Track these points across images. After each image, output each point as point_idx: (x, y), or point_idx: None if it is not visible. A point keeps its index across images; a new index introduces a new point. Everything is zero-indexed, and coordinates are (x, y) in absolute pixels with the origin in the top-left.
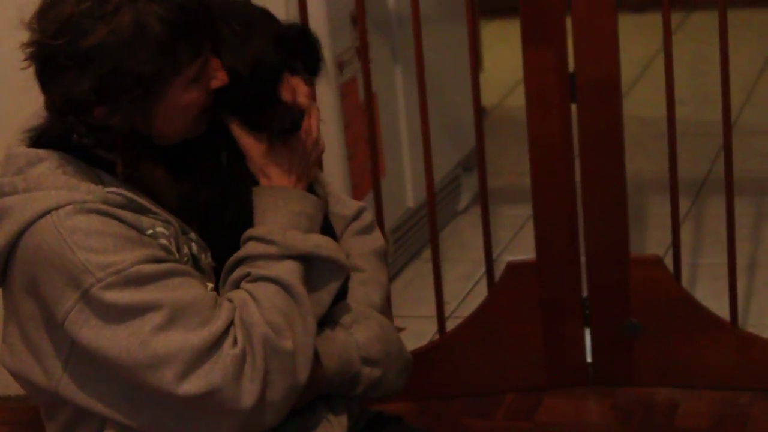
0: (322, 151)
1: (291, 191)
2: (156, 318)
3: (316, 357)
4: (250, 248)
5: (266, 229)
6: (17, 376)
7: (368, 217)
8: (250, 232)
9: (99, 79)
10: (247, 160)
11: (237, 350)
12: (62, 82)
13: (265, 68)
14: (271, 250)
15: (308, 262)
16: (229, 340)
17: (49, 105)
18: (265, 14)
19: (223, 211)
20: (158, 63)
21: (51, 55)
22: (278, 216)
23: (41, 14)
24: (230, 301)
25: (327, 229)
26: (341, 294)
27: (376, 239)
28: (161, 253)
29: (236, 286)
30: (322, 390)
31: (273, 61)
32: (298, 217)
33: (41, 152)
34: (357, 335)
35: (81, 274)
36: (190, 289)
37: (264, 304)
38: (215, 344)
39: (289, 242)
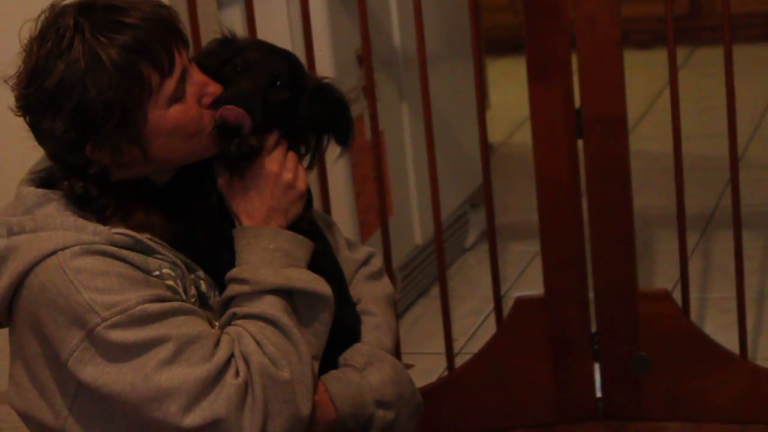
0: (301, 192)
1: (262, 229)
2: (160, 353)
3: (329, 400)
4: (229, 290)
5: (239, 269)
6: (24, 416)
7: (378, 262)
8: (228, 274)
9: (71, 114)
10: (227, 204)
11: (240, 380)
12: (43, 126)
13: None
14: (245, 288)
15: (290, 296)
16: (231, 371)
17: (48, 154)
18: (276, 60)
19: (220, 250)
20: (123, 87)
21: (28, 104)
22: (251, 255)
23: (19, 69)
24: (228, 335)
25: (335, 270)
26: (353, 338)
27: (386, 285)
28: (167, 293)
29: (227, 325)
30: None
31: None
32: (273, 253)
33: (49, 193)
34: (370, 378)
35: (86, 314)
36: (195, 326)
37: (257, 337)
38: (218, 375)
39: (260, 278)
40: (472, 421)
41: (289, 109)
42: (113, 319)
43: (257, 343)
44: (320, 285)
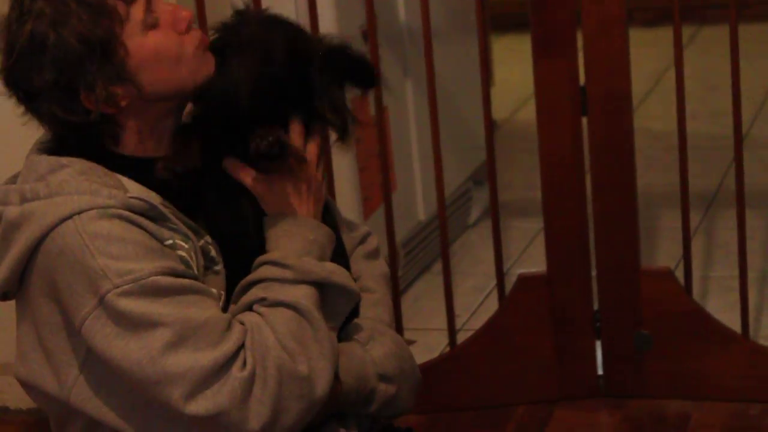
0: (321, 182)
1: (305, 219)
2: (167, 334)
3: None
4: (264, 272)
5: (281, 254)
6: (28, 386)
7: (374, 242)
8: (264, 257)
9: (51, 61)
10: (259, 201)
11: (245, 373)
12: (35, 86)
13: (233, 95)
14: (287, 274)
15: (321, 288)
16: (238, 363)
17: (52, 127)
18: (271, 35)
19: (222, 210)
20: (92, 20)
21: (14, 77)
22: (293, 243)
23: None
24: (242, 323)
25: (341, 253)
26: (353, 314)
27: (382, 264)
28: (180, 266)
29: (248, 308)
30: (339, 407)
31: (241, 90)
32: (312, 244)
33: (62, 159)
34: (373, 352)
35: (99, 280)
36: (204, 309)
37: (279, 329)
38: (224, 366)
39: (305, 267)
40: (474, 398)
41: (297, 84)
42: (125, 287)
43: (277, 336)
44: (353, 282)
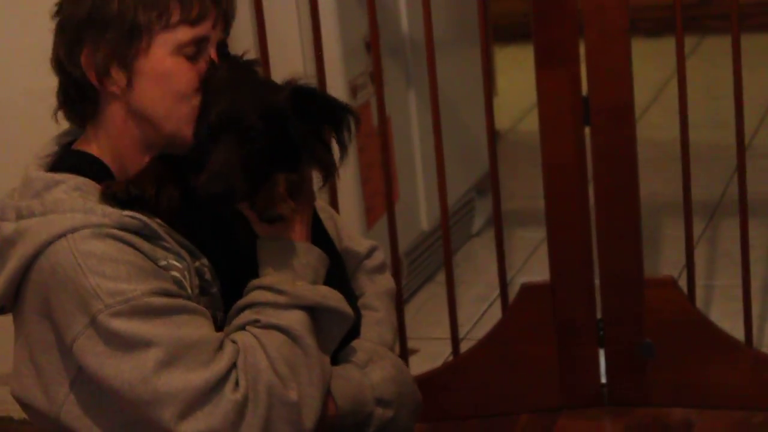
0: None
1: (297, 243)
2: (159, 354)
3: (330, 396)
4: (257, 296)
5: (275, 279)
6: (22, 403)
7: (380, 256)
8: (256, 281)
9: (89, 7)
10: (251, 224)
11: (239, 395)
12: (64, 12)
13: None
14: (280, 299)
15: (314, 312)
16: (230, 384)
17: (53, 56)
18: (242, 109)
19: (216, 238)
20: (143, 3)
21: None
22: (285, 267)
23: None
24: (234, 342)
25: (340, 273)
26: (353, 334)
27: (387, 280)
28: (173, 287)
29: (241, 329)
30: (334, 429)
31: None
32: (305, 268)
33: (58, 176)
34: (371, 375)
35: (91, 299)
36: (197, 329)
37: (271, 353)
38: (216, 386)
39: (298, 292)
40: (477, 407)
41: (277, 140)
42: (116, 307)
43: (270, 359)
44: (346, 305)
